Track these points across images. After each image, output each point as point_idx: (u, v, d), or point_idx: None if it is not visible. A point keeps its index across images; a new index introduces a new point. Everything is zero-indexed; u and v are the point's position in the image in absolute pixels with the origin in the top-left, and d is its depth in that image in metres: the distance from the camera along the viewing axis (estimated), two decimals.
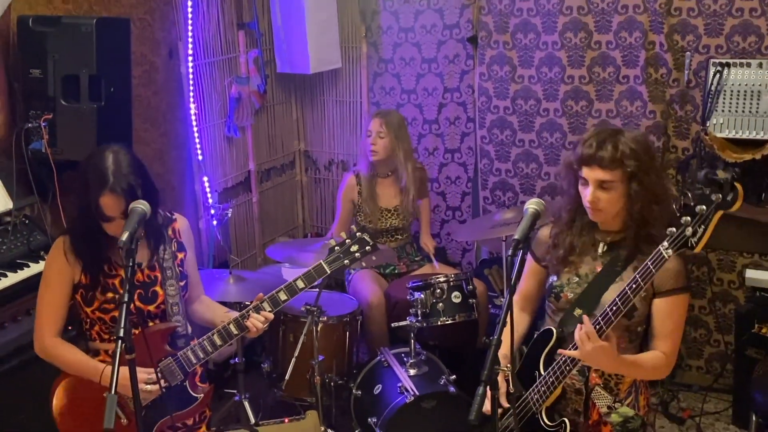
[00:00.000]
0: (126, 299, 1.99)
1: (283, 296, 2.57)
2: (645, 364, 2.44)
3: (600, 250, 2.51)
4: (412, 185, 4.23)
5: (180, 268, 2.61)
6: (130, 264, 2.04)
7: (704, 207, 2.23)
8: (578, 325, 2.33)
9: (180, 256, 2.63)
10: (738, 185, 2.25)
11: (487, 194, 4.68)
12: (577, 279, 2.52)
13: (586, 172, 2.40)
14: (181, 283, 2.61)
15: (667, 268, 2.35)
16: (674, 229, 2.23)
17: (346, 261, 2.63)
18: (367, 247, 2.65)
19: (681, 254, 2.39)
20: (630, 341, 2.50)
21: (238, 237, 4.74)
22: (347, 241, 2.65)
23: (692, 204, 2.27)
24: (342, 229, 4.22)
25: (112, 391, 1.84)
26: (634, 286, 2.28)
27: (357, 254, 2.64)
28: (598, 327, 2.32)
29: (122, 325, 1.96)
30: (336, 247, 2.64)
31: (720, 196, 2.22)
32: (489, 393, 2.01)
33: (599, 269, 2.49)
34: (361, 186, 4.19)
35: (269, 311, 2.56)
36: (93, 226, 2.41)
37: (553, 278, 2.59)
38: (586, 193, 2.40)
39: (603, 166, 2.36)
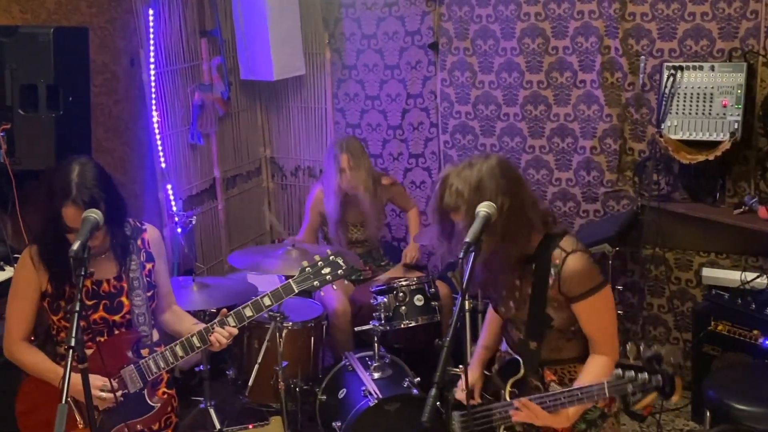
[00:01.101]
0: (78, 308, 1.99)
1: (248, 312, 2.57)
2: (594, 378, 2.44)
3: (513, 261, 2.48)
4: (383, 199, 4.28)
5: (148, 278, 2.60)
6: (81, 273, 2.03)
7: (647, 379, 2.16)
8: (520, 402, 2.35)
9: (148, 266, 2.62)
10: (678, 380, 2.15)
11: None
12: (504, 292, 2.53)
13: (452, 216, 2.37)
14: (149, 294, 2.60)
15: (571, 274, 2.34)
16: (620, 372, 2.18)
17: (316, 282, 2.62)
18: (340, 271, 2.64)
19: (585, 253, 2.38)
20: (568, 340, 2.52)
21: (204, 244, 4.72)
22: (320, 262, 2.64)
23: (640, 361, 2.19)
24: (308, 237, 4.23)
25: (63, 401, 1.83)
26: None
27: (328, 277, 2.63)
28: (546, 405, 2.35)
29: (73, 335, 1.95)
30: (307, 267, 2.63)
31: (660, 383, 2.15)
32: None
33: (529, 290, 2.47)
34: (331, 206, 4.17)
35: (233, 326, 2.55)
36: (58, 236, 2.40)
37: (489, 291, 2.60)
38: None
39: (452, 210, 2.34)
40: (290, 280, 2.60)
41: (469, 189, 2.31)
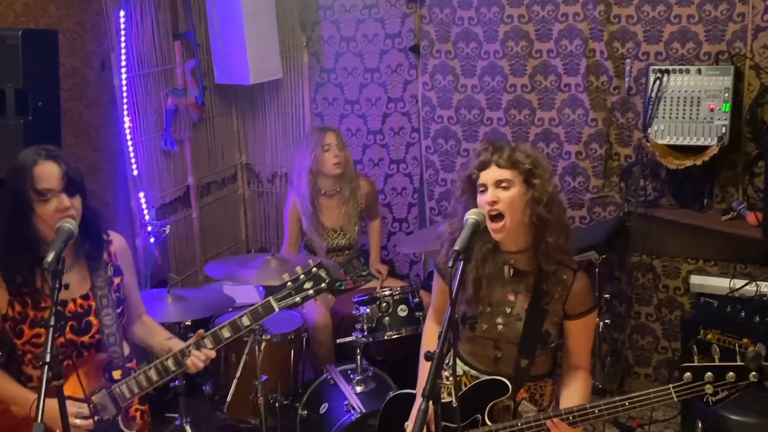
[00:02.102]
0: (52, 323, 1.96)
1: (226, 333, 2.54)
2: (587, 397, 2.56)
3: (507, 274, 2.54)
4: (361, 200, 4.28)
5: (117, 293, 2.56)
6: (57, 287, 2.00)
7: (734, 375, 2.22)
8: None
9: (117, 280, 2.58)
10: None
11: (433, 205, 4.72)
12: (490, 308, 2.55)
13: (483, 176, 2.46)
14: (118, 310, 2.55)
15: (581, 292, 2.49)
16: (690, 375, 2.24)
17: (298, 299, 2.59)
18: (323, 285, 2.62)
19: (585, 275, 2.52)
20: (546, 356, 2.60)
21: (178, 254, 4.69)
22: (301, 276, 2.61)
23: (714, 361, 2.24)
24: (292, 247, 4.22)
25: (39, 420, 1.80)
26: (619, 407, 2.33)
27: (311, 291, 2.61)
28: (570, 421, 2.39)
29: (48, 350, 1.92)
30: (288, 283, 2.61)
31: (758, 377, 2.21)
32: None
33: (527, 305, 2.52)
34: (306, 210, 4.17)
35: (211, 348, 2.52)
36: (23, 247, 2.35)
37: (463, 307, 2.59)
38: (486, 198, 2.44)
39: (500, 165, 2.45)
40: (270, 297, 2.57)
41: (535, 157, 2.48)
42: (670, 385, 2.27)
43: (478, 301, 2.55)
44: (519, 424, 2.44)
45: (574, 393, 2.52)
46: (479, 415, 2.49)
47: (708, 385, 2.24)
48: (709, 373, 2.23)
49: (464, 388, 2.57)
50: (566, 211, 2.70)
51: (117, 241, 2.64)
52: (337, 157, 4.11)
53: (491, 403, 2.50)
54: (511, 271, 2.53)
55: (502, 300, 2.54)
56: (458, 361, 2.66)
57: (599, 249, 3.77)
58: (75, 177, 2.36)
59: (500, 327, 2.54)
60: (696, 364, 2.26)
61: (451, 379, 2.63)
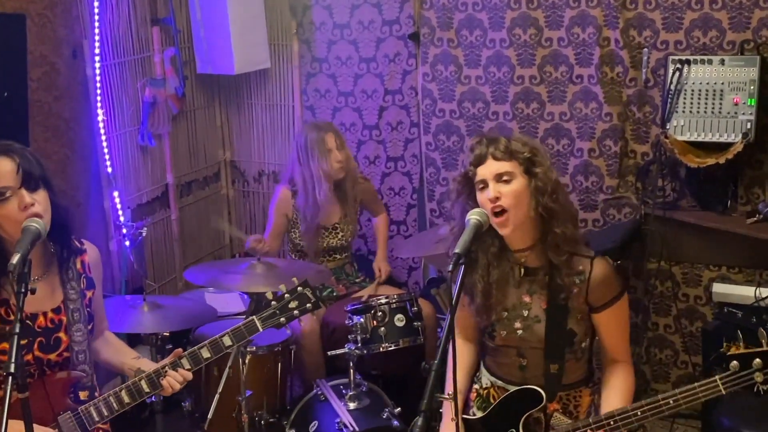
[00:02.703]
0: (17, 330, 1.96)
1: (206, 354, 2.55)
2: (629, 394, 2.55)
3: (518, 275, 2.56)
4: (358, 197, 4.31)
5: (88, 308, 2.55)
6: (22, 290, 2.01)
7: None
8: None
9: (89, 294, 2.58)
10: None
11: (434, 206, 4.73)
12: (506, 313, 2.57)
13: (480, 171, 2.48)
14: (89, 327, 2.55)
15: (602, 280, 2.48)
16: (736, 364, 2.22)
17: (282, 319, 2.62)
18: (308, 305, 2.65)
19: (605, 259, 2.52)
20: (577, 360, 2.58)
21: (156, 259, 4.69)
22: (286, 295, 2.64)
23: (762, 346, 2.22)
24: (273, 242, 4.22)
25: (2, 430, 1.80)
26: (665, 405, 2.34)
27: (296, 312, 2.64)
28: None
29: (13, 360, 1.92)
30: (273, 302, 2.63)
31: None
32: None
33: (544, 305, 2.53)
34: (300, 205, 4.18)
35: (188, 369, 2.53)
36: None
37: (476, 318, 2.63)
38: (487, 194, 2.45)
39: (497, 158, 2.46)
40: (254, 316, 2.60)
41: (533, 145, 2.51)
42: (717, 377, 2.25)
43: (489, 310, 2.57)
44: None
45: (614, 393, 2.51)
46: (513, 430, 2.49)
47: (758, 373, 2.19)
48: (758, 360, 2.19)
49: (493, 402, 2.58)
50: (568, 197, 2.69)
51: (91, 251, 2.63)
52: (339, 162, 4.13)
53: (525, 416, 2.50)
54: (522, 270, 2.54)
55: (518, 303, 2.56)
56: (486, 373, 2.69)
57: (614, 254, 3.75)
58: (32, 170, 2.33)
59: (520, 332, 2.55)
60: (742, 351, 2.23)
61: (483, 391, 2.66)
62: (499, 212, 2.44)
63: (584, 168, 4.29)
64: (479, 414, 2.54)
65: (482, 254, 2.54)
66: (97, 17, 4.08)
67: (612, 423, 2.38)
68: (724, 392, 2.26)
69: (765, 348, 2.22)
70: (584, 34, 4.16)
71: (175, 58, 4.62)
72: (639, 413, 2.35)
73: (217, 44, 4.62)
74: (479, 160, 2.49)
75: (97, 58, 4.11)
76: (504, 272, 2.55)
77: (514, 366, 2.59)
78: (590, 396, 2.63)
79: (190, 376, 2.53)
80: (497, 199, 2.43)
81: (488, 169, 2.46)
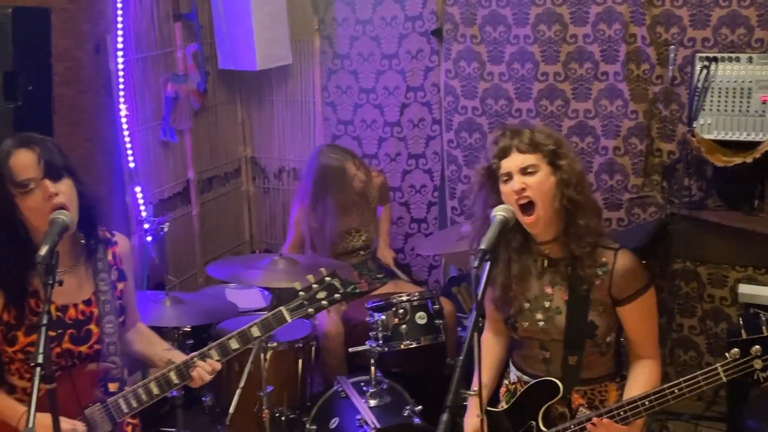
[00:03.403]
0: (45, 321, 1.98)
1: (234, 345, 2.55)
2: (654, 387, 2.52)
3: (541, 266, 2.57)
4: (375, 196, 4.34)
5: (120, 300, 2.57)
6: (50, 282, 2.03)
7: None
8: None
9: (120, 286, 2.60)
10: None
11: (455, 204, 4.73)
12: (528, 304, 2.57)
13: (505, 164, 2.48)
14: (120, 319, 2.57)
15: (625, 272, 2.48)
16: (737, 351, 2.21)
17: (310, 309, 2.61)
18: (336, 295, 2.64)
19: (629, 251, 2.53)
20: (602, 354, 2.58)
21: (176, 255, 4.72)
22: (314, 286, 2.63)
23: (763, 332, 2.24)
24: (295, 249, 4.24)
25: (30, 423, 1.82)
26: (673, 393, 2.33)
27: (324, 302, 2.62)
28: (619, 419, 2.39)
29: (41, 351, 1.94)
30: (301, 292, 2.62)
31: None
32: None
33: (565, 296, 2.54)
34: (315, 217, 4.20)
35: (217, 360, 2.54)
36: (16, 252, 2.36)
37: (499, 310, 2.64)
38: (512, 186, 2.45)
39: (522, 150, 2.46)
40: (282, 307, 2.59)
41: (557, 137, 2.50)
42: (718, 365, 2.25)
43: (509, 302, 2.58)
44: (572, 426, 2.46)
45: (637, 387, 2.51)
46: (533, 422, 2.50)
47: (757, 360, 2.18)
48: (757, 346, 2.18)
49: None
50: (591, 190, 2.70)
51: (122, 243, 2.65)
52: (362, 181, 4.19)
53: (544, 407, 2.50)
54: (546, 261, 2.55)
55: (540, 294, 2.56)
56: (513, 368, 2.71)
57: (638, 254, 3.64)
58: (53, 160, 2.35)
59: (541, 324, 2.55)
60: (744, 338, 2.24)
61: (511, 386, 2.67)
62: (526, 205, 2.45)
63: (609, 166, 4.28)
64: (501, 407, 2.55)
65: (504, 248, 2.55)
66: (120, 12, 4.12)
67: (621, 413, 2.37)
68: (725, 379, 2.25)
69: (765, 334, 2.22)
70: (610, 31, 4.15)
71: (198, 53, 4.65)
72: (646, 403, 2.34)
73: (239, 40, 4.64)
74: (503, 153, 2.48)
75: (120, 53, 4.14)
76: (526, 264, 2.56)
77: (538, 359, 2.60)
78: (617, 391, 2.62)
79: (218, 366, 2.54)
80: (522, 190, 2.43)
81: (513, 162, 2.46)
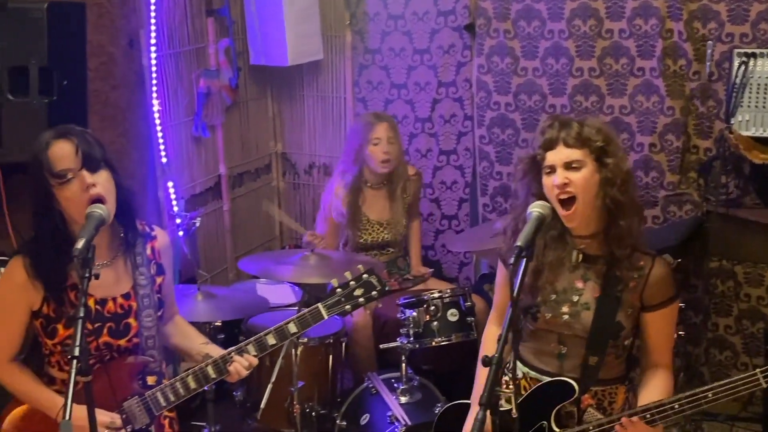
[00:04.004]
0: (82, 314, 2.00)
1: (271, 340, 2.56)
2: (668, 395, 2.50)
3: (574, 259, 2.54)
4: (410, 191, 4.33)
5: (158, 294, 2.60)
6: (86, 275, 2.05)
7: None
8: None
9: (159, 280, 2.62)
10: None
11: (486, 201, 4.71)
12: (555, 296, 2.55)
13: (550, 156, 2.45)
14: (159, 313, 2.59)
15: (659, 280, 2.48)
16: None
17: (347, 306, 2.62)
18: (374, 293, 2.64)
19: (666, 259, 2.53)
20: (617, 357, 2.58)
21: (208, 250, 4.75)
22: (351, 282, 2.63)
23: None
24: (328, 241, 4.25)
25: (67, 416, 1.84)
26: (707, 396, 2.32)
27: (361, 299, 2.62)
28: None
29: (77, 343, 1.96)
30: (338, 289, 2.63)
31: None
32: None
33: (597, 294, 2.51)
34: (349, 199, 4.21)
35: (254, 355, 2.55)
36: (55, 244, 2.38)
37: (522, 298, 2.58)
38: (554, 180, 2.43)
39: (569, 144, 2.43)
40: (319, 304, 2.60)
41: (607, 132, 2.46)
42: (758, 370, 2.23)
43: (536, 290, 2.55)
44: (590, 428, 2.44)
45: (652, 392, 2.49)
46: (545, 422, 2.49)
47: None
48: None
49: (524, 393, 2.57)
50: (637, 191, 2.67)
51: (161, 237, 2.67)
52: (386, 153, 4.14)
53: (557, 408, 2.49)
54: (581, 256, 2.53)
55: (569, 287, 2.54)
56: (518, 363, 2.67)
57: (674, 252, 3.72)
58: (91, 151, 2.37)
59: (565, 317, 2.53)
60: None
61: (511, 385, 2.64)
62: (566, 200, 2.43)
63: (644, 163, 4.24)
64: (507, 406, 2.53)
65: (541, 235, 2.50)
66: (153, 7, 4.14)
67: (648, 416, 2.36)
68: (765, 385, 2.24)
69: None
70: (646, 26, 4.11)
71: (230, 49, 4.67)
72: (677, 406, 2.33)
73: (271, 35, 4.66)
74: (549, 145, 2.46)
75: (153, 49, 4.16)
76: (560, 255, 2.54)
77: (553, 354, 2.58)
78: (625, 394, 2.62)
79: (255, 362, 2.56)
80: (565, 186, 2.41)
81: (558, 155, 2.44)
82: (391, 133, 4.17)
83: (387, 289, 4.14)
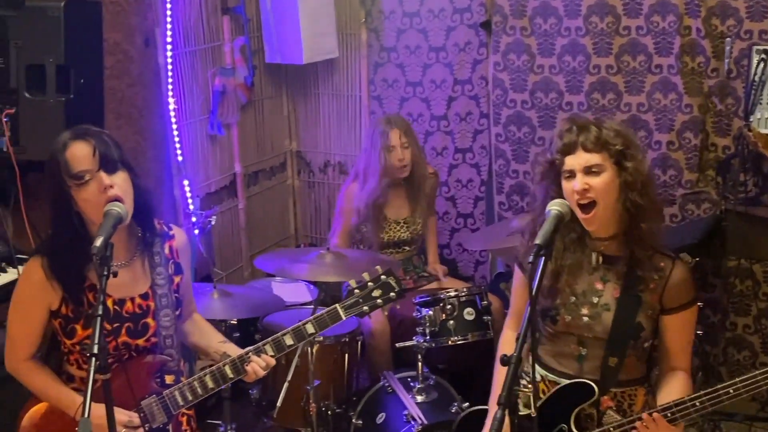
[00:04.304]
0: (100, 312, 2.01)
1: (289, 341, 2.56)
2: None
3: (595, 262, 2.54)
4: (428, 190, 4.32)
5: (176, 293, 2.60)
6: (104, 273, 2.06)
7: None
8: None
9: (177, 279, 2.62)
10: None
11: (502, 199, 4.70)
12: (575, 298, 2.54)
13: (569, 161, 2.43)
14: (177, 312, 2.59)
15: (679, 282, 2.47)
16: None
17: (365, 307, 2.60)
18: (392, 294, 2.62)
19: (686, 262, 2.51)
20: (638, 359, 2.57)
21: (223, 248, 4.76)
22: (369, 283, 2.62)
23: None
24: (342, 243, 4.25)
25: (86, 414, 1.85)
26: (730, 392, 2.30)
27: (379, 300, 2.61)
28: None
29: (96, 341, 1.97)
30: (356, 290, 2.62)
31: None
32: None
33: (617, 294, 2.51)
34: (369, 196, 4.20)
35: (272, 355, 2.56)
36: (73, 244, 2.39)
37: (541, 300, 2.59)
38: (574, 185, 2.41)
39: (588, 149, 2.41)
40: (337, 305, 2.60)
41: (626, 135, 2.44)
42: None
43: (555, 293, 2.55)
44: (611, 429, 2.44)
45: (671, 394, 2.48)
46: (564, 425, 2.48)
47: None
48: None
49: (543, 396, 2.56)
50: (656, 192, 2.67)
51: (179, 236, 2.67)
52: (401, 160, 4.14)
53: (577, 410, 2.48)
54: (600, 258, 2.52)
55: (589, 289, 2.54)
56: (537, 366, 2.65)
57: (692, 251, 3.68)
58: (109, 152, 2.37)
59: (585, 319, 2.53)
60: None
61: (530, 387, 2.62)
62: (586, 205, 2.42)
63: (662, 161, 4.22)
64: (524, 411, 2.52)
65: (559, 238, 2.51)
66: (169, 5, 4.15)
67: (669, 414, 2.36)
68: None
69: None
70: (664, 23, 4.09)
71: (245, 47, 4.67)
72: (697, 403, 2.32)
73: (287, 34, 4.66)
74: (568, 149, 2.44)
75: (168, 47, 4.17)
76: (579, 258, 2.53)
77: (572, 356, 2.57)
78: (645, 396, 2.60)
79: (273, 362, 2.56)
80: (585, 191, 2.40)
81: (577, 160, 2.42)
82: (405, 138, 4.14)
83: (402, 287, 4.19)
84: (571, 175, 2.44)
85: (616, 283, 2.51)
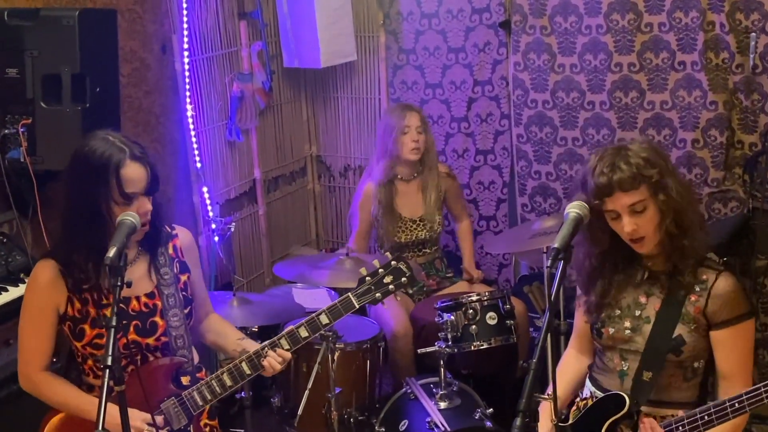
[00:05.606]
0: (114, 323, 2.01)
1: (303, 333, 2.58)
2: (740, 422, 2.43)
3: (640, 277, 2.53)
4: (442, 188, 4.29)
5: (184, 292, 2.61)
6: (118, 284, 2.06)
7: None
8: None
9: (183, 278, 2.63)
10: None
11: (525, 201, 4.68)
12: (619, 312, 2.54)
13: (609, 203, 2.40)
14: (186, 311, 2.60)
15: (723, 294, 2.41)
16: None
17: (377, 294, 2.63)
18: (403, 279, 2.65)
19: (732, 275, 2.44)
20: (685, 379, 2.51)
21: (243, 255, 4.77)
22: (380, 270, 2.64)
23: None
24: (360, 243, 4.25)
25: (100, 427, 1.85)
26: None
27: (391, 287, 2.63)
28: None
29: (110, 353, 1.97)
30: (367, 278, 2.64)
31: None
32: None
33: (658, 306, 2.48)
34: (381, 195, 4.20)
35: (287, 349, 2.56)
36: (86, 247, 2.40)
37: (588, 316, 2.63)
38: (622, 226, 2.40)
39: (626, 189, 2.37)
40: (349, 293, 2.60)
41: (656, 161, 2.40)
42: None
43: (601, 308, 2.55)
44: None
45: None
46: None
47: None
48: None
49: (580, 410, 2.57)
50: (696, 200, 2.67)
51: (183, 235, 2.69)
52: (415, 141, 4.13)
53: (609, 422, 2.44)
54: (646, 273, 2.52)
55: (633, 302, 2.53)
56: (588, 383, 2.67)
57: (719, 251, 3.64)
58: (156, 179, 2.44)
59: (627, 332, 2.51)
60: None
61: (581, 403, 2.63)
62: (637, 240, 2.42)
63: (687, 160, 4.18)
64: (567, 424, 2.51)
65: (610, 260, 2.53)
66: (185, 12, 4.17)
67: (705, 417, 2.31)
68: None
69: None
70: (687, 19, 4.04)
71: (262, 52, 4.68)
72: (736, 404, 2.27)
73: (304, 38, 4.66)
74: (605, 192, 2.38)
75: (185, 53, 4.19)
76: (629, 274, 2.54)
77: (615, 372, 2.55)
78: None
79: (289, 356, 2.57)
80: (635, 231, 2.39)
81: (619, 201, 2.38)
82: (420, 123, 4.16)
83: (423, 287, 4.18)
84: (617, 215, 2.41)
85: (659, 296, 2.49)
